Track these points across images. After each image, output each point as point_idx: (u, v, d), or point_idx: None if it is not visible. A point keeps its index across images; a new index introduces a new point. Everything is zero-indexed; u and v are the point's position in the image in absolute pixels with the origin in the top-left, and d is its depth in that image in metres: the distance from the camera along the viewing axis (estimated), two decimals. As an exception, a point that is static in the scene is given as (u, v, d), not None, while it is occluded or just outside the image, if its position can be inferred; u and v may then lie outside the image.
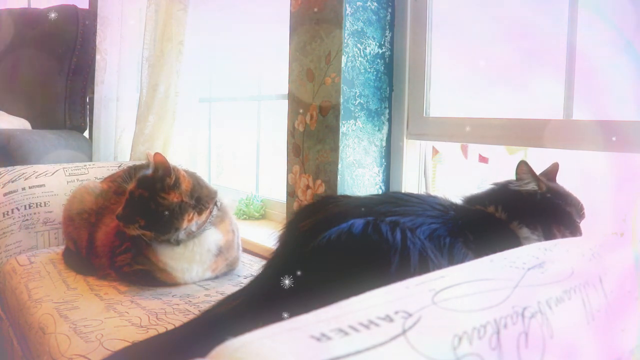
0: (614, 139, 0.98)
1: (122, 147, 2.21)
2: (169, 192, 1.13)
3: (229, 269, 1.31)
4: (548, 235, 0.92)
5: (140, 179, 1.16)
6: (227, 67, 2.29)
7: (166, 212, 1.11)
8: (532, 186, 0.96)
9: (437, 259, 0.81)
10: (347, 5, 1.32)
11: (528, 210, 0.94)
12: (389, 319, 0.38)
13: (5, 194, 1.55)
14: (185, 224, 1.15)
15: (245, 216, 1.89)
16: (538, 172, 1.00)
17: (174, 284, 1.21)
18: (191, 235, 1.18)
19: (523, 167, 0.96)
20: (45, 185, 1.63)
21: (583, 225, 0.96)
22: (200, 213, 1.17)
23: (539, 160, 1.08)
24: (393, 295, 0.43)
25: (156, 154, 1.13)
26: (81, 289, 1.19)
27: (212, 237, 1.22)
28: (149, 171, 1.16)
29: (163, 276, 1.20)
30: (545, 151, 1.13)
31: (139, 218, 1.12)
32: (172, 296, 1.14)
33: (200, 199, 1.18)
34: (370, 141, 1.40)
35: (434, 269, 0.67)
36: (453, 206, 0.96)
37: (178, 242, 1.17)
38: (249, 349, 0.33)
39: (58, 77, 2.37)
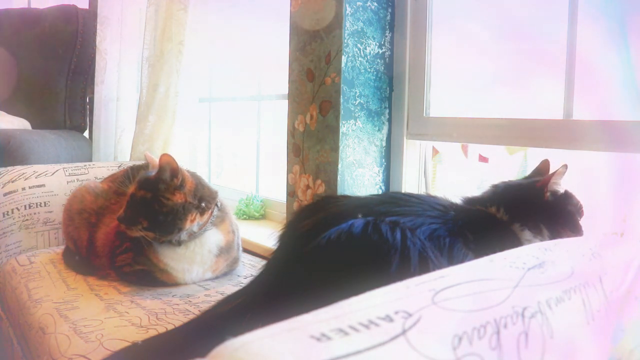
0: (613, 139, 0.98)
1: (122, 147, 2.21)
2: (174, 192, 1.13)
3: (229, 269, 1.31)
4: (553, 239, 0.91)
5: (141, 181, 1.15)
6: (227, 67, 2.29)
7: (169, 213, 1.11)
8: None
9: (437, 259, 0.81)
10: (347, 5, 1.32)
11: (530, 212, 0.94)
12: (389, 319, 0.38)
13: (5, 194, 1.55)
14: (188, 225, 1.15)
15: (245, 216, 1.89)
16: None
17: (174, 284, 1.21)
18: (192, 236, 1.18)
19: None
20: (45, 185, 1.63)
21: (582, 224, 0.96)
22: (202, 214, 1.17)
23: (538, 160, 1.07)
24: (393, 295, 0.43)
25: (164, 154, 1.13)
26: (81, 289, 1.19)
27: (213, 238, 1.22)
28: (152, 172, 1.16)
29: (163, 276, 1.20)
30: (545, 151, 1.13)
31: (142, 219, 1.12)
32: (172, 296, 1.14)
33: (203, 199, 1.18)
34: (370, 141, 1.40)
35: (434, 269, 0.67)
36: (453, 206, 0.95)
37: (179, 243, 1.17)
38: (249, 349, 0.33)
39: (58, 77, 2.37)
